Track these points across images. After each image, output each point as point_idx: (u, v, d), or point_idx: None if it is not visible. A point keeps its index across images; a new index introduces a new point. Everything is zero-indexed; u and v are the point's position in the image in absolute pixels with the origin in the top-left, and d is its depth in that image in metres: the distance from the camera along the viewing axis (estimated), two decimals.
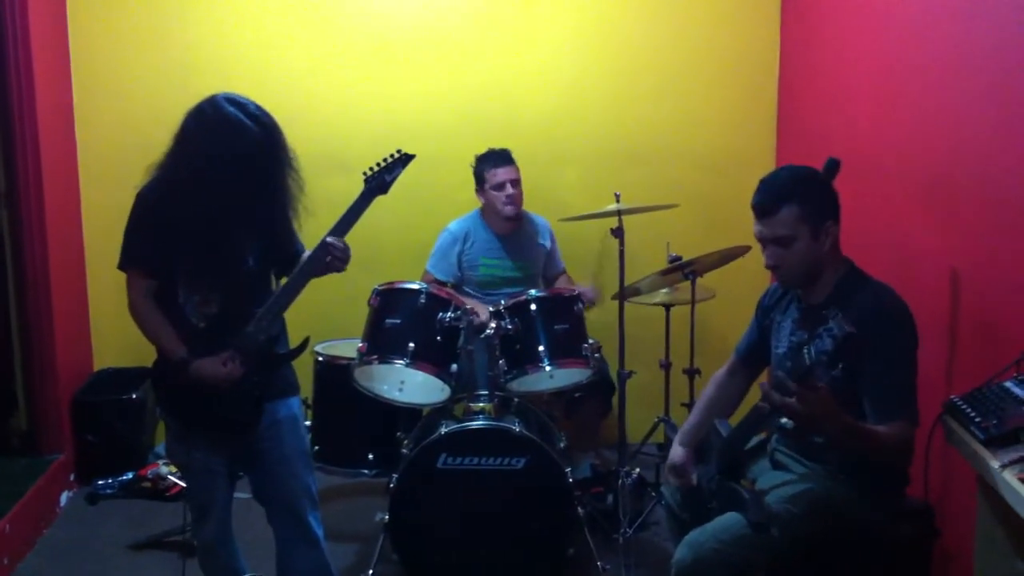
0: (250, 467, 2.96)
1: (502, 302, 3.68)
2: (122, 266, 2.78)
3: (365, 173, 2.92)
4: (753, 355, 3.04)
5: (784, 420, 2.83)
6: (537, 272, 4.49)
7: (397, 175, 2.94)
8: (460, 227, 4.46)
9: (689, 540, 2.60)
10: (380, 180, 2.91)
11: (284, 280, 2.87)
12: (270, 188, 2.71)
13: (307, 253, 2.87)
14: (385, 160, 2.93)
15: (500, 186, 4.30)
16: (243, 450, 2.89)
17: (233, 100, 2.66)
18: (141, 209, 2.74)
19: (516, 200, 4.34)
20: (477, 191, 4.39)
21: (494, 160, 4.33)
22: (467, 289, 4.45)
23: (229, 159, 2.60)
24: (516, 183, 4.32)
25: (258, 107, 2.68)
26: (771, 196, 2.65)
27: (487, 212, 4.42)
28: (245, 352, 2.75)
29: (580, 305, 3.69)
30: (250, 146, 2.62)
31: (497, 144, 4.43)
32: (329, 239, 2.80)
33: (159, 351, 2.81)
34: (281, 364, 2.91)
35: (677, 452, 2.97)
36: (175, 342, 2.73)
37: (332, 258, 2.79)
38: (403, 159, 2.95)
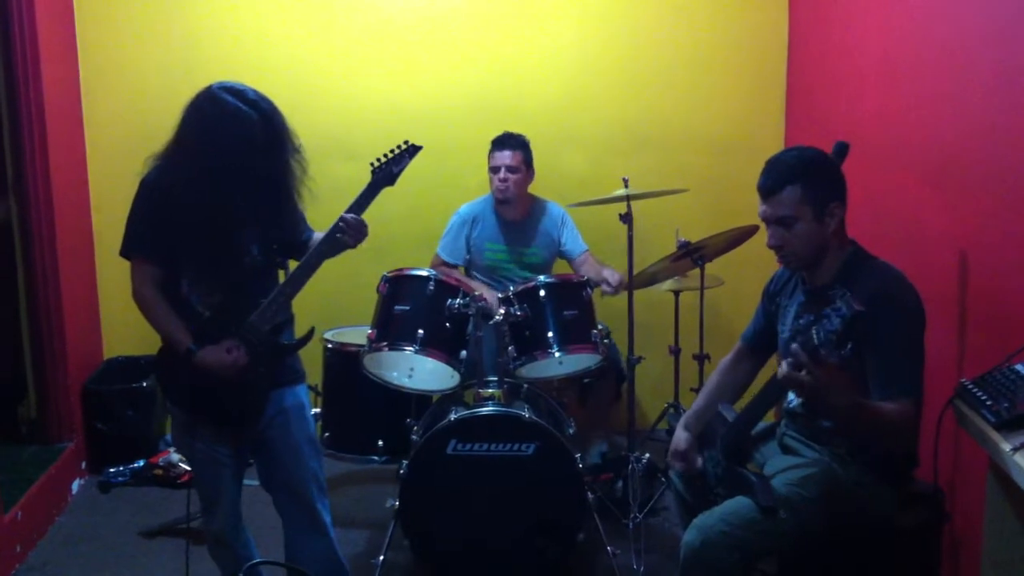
0: (257, 455, 2.96)
1: (511, 288, 3.67)
2: (126, 253, 2.78)
3: (372, 164, 2.91)
4: (759, 342, 3.04)
5: (793, 403, 2.83)
6: (545, 260, 4.47)
7: (405, 166, 2.94)
8: (470, 210, 4.46)
9: (698, 523, 2.60)
10: (387, 171, 2.91)
11: (292, 268, 2.88)
12: (273, 174, 2.71)
13: (318, 236, 2.87)
14: (392, 151, 2.92)
15: (496, 169, 4.31)
16: (249, 439, 2.90)
17: (231, 89, 2.65)
18: (145, 197, 2.74)
19: (509, 185, 4.31)
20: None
21: (496, 143, 4.35)
22: (475, 274, 4.45)
23: (230, 149, 2.60)
24: (512, 169, 4.30)
25: (256, 93, 2.68)
26: (774, 176, 2.64)
27: (492, 191, 4.42)
28: (249, 341, 2.76)
29: (589, 291, 3.69)
30: (251, 134, 2.62)
31: (505, 130, 4.42)
32: (344, 216, 2.80)
33: (164, 340, 2.81)
34: (286, 354, 2.91)
35: (681, 437, 2.97)
36: (180, 331, 2.73)
37: (344, 233, 2.79)
38: (410, 150, 2.94)
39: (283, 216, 2.82)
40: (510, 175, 4.30)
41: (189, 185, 2.63)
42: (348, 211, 2.83)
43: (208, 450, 2.85)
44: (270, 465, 2.95)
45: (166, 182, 2.68)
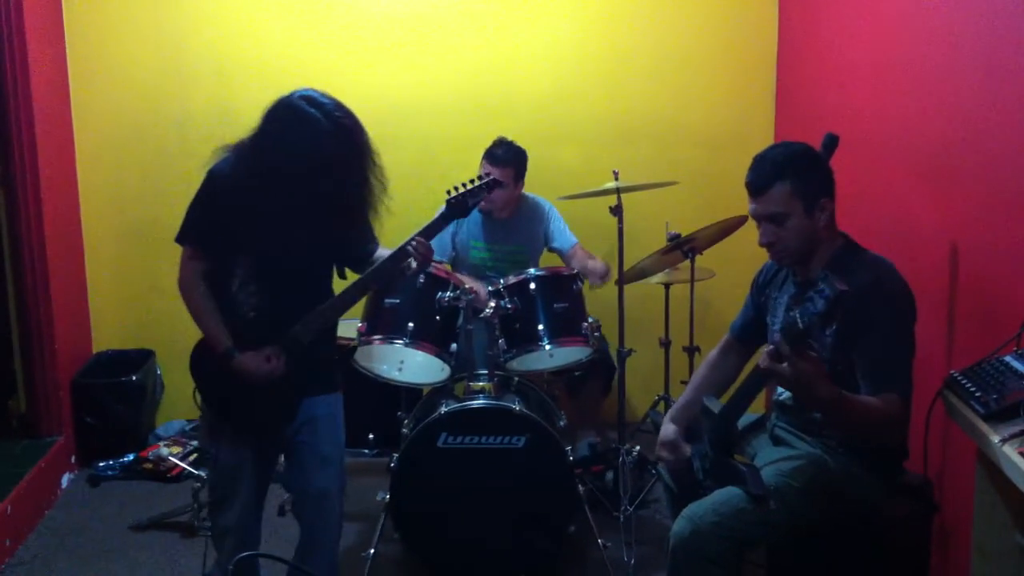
0: (287, 458, 2.96)
1: (501, 281, 3.67)
2: (180, 240, 2.77)
3: (448, 192, 2.95)
4: (748, 333, 3.04)
5: (783, 395, 2.83)
6: (531, 257, 4.46)
7: (480, 200, 3.01)
8: None
9: (688, 513, 2.60)
10: (463, 203, 2.97)
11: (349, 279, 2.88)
12: (346, 191, 2.67)
13: (382, 252, 2.88)
14: (472, 182, 2.96)
15: None
16: (276, 443, 2.90)
17: (314, 101, 2.61)
18: (210, 189, 2.72)
19: (494, 200, 4.26)
20: None
21: (488, 155, 4.27)
22: (461, 271, 4.44)
23: (306, 162, 2.57)
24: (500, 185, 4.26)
25: (338, 106, 2.64)
26: (763, 173, 2.63)
27: None
28: (290, 351, 2.75)
29: (579, 283, 3.69)
30: (328, 150, 2.58)
31: (496, 124, 4.42)
32: (413, 240, 2.83)
33: (204, 335, 2.79)
34: (324, 363, 2.91)
35: (668, 428, 2.96)
36: (222, 332, 2.72)
37: (415, 251, 2.82)
38: (488, 184, 2.99)
39: (351, 231, 2.81)
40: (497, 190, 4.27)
41: (259, 185, 2.60)
42: (420, 233, 2.86)
43: (231, 451, 2.84)
44: (296, 471, 2.94)
45: (234, 177, 2.65)
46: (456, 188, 2.94)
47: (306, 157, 2.56)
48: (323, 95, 2.64)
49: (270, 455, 2.96)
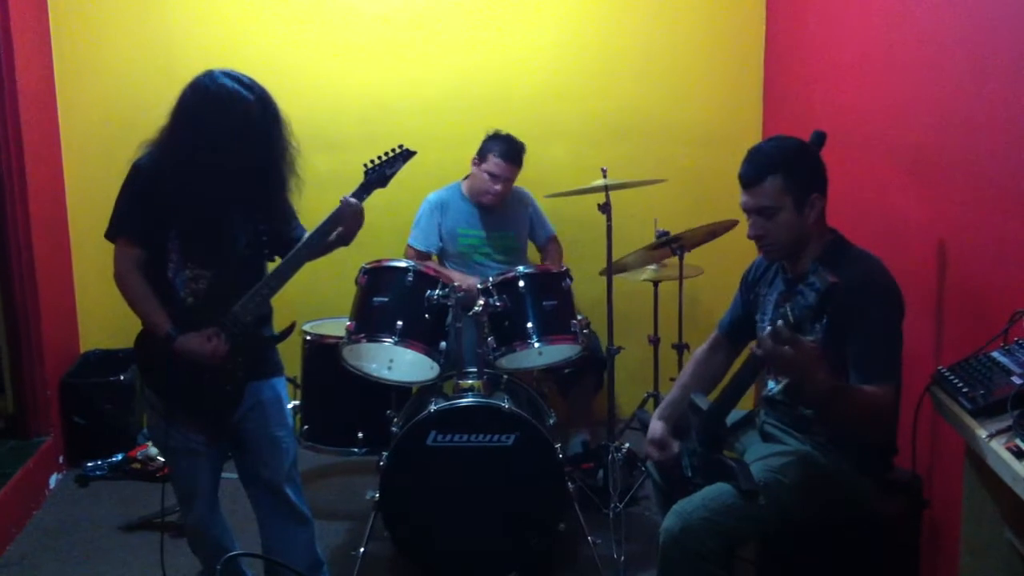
0: (235, 448, 2.96)
1: (490, 278, 3.67)
2: (110, 235, 2.76)
3: (366, 165, 2.92)
4: (736, 330, 3.04)
5: (772, 391, 2.83)
6: (517, 244, 4.48)
7: (398, 169, 2.98)
8: (438, 197, 4.46)
9: (677, 509, 2.59)
10: (380, 173, 2.95)
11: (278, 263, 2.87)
12: (266, 160, 2.70)
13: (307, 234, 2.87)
14: (387, 153, 2.95)
15: (493, 176, 4.29)
16: (226, 431, 2.89)
17: (228, 73, 2.66)
18: (135, 179, 2.72)
19: (499, 196, 4.33)
20: (473, 161, 4.37)
21: (503, 150, 4.28)
22: (446, 262, 4.45)
23: (225, 131, 2.60)
24: (508, 182, 4.32)
25: (252, 80, 2.69)
26: (756, 166, 2.64)
27: (472, 184, 4.40)
28: (230, 331, 2.74)
29: (568, 281, 3.69)
30: (247, 117, 2.62)
31: (486, 122, 4.42)
32: (346, 198, 2.83)
33: (143, 323, 2.79)
34: (267, 347, 2.90)
35: (656, 426, 2.96)
36: (161, 316, 2.72)
37: (347, 218, 2.82)
38: (404, 154, 2.98)
39: (273, 205, 2.81)
40: (503, 187, 4.32)
41: (182, 167, 2.62)
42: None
43: (184, 439, 2.85)
44: (248, 458, 2.95)
45: (158, 165, 2.67)
46: (373, 160, 2.95)
47: (228, 126, 2.60)
48: (235, 71, 2.69)
49: (221, 449, 2.95)
